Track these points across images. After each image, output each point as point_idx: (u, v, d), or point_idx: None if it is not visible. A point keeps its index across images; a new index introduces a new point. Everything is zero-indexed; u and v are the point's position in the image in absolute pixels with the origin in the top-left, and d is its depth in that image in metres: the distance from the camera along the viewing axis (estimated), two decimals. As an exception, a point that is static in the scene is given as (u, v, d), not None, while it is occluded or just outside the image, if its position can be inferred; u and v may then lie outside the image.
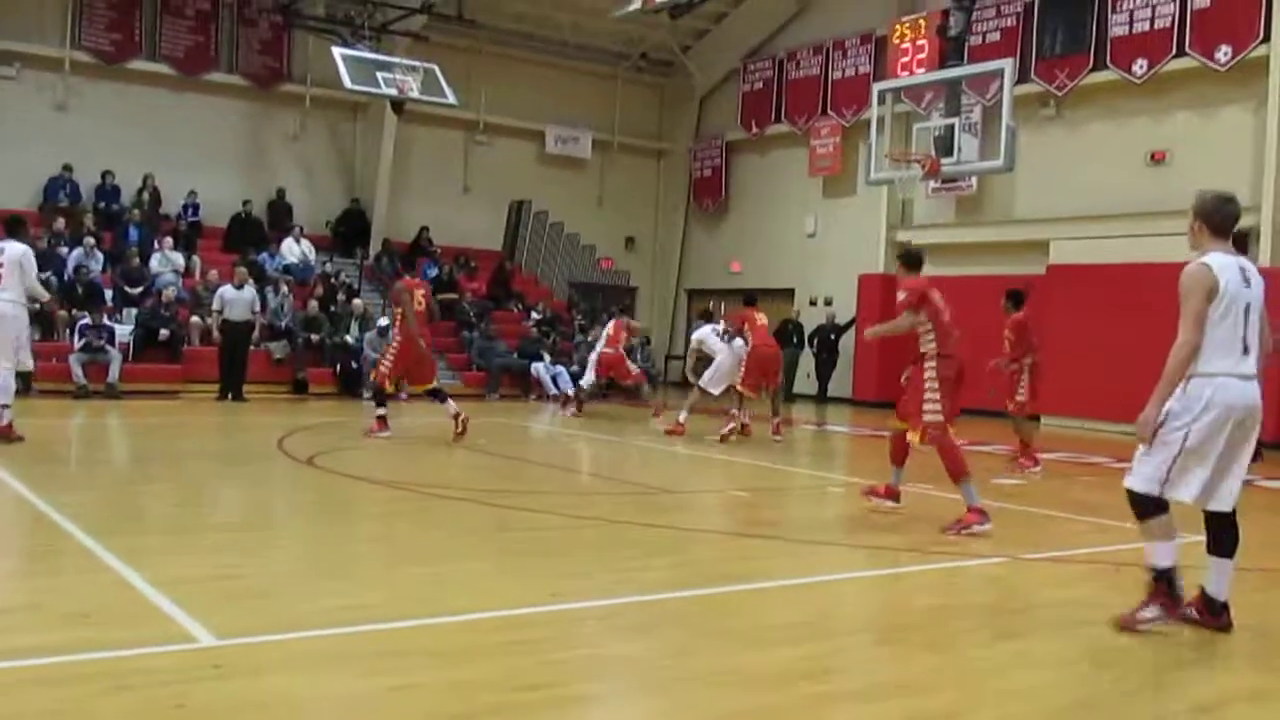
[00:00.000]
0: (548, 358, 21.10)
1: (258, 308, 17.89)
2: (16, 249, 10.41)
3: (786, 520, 8.89)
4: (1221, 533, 5.34)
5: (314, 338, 19.28)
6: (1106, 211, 18.69)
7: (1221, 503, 5.26)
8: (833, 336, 22.68)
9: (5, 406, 10.31)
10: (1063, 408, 17.38)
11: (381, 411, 12.57)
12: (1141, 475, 5.28)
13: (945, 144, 15.63)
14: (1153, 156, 18.53)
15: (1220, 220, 5.42)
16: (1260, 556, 7.67)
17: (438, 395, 12.71)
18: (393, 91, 19.70)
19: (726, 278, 26.11)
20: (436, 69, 20.16)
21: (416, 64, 20.09)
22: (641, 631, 5.13)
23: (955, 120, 15.82)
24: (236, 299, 17.43)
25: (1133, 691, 4.51)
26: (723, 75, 26.65)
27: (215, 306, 17.47)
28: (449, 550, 6.81)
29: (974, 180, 20.40)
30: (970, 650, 5.06)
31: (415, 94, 19.96)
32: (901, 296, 8.11)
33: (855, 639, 5.19)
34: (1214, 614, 5.35)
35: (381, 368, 12.69)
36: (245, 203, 22.06)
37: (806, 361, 22.88)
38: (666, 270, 27.73)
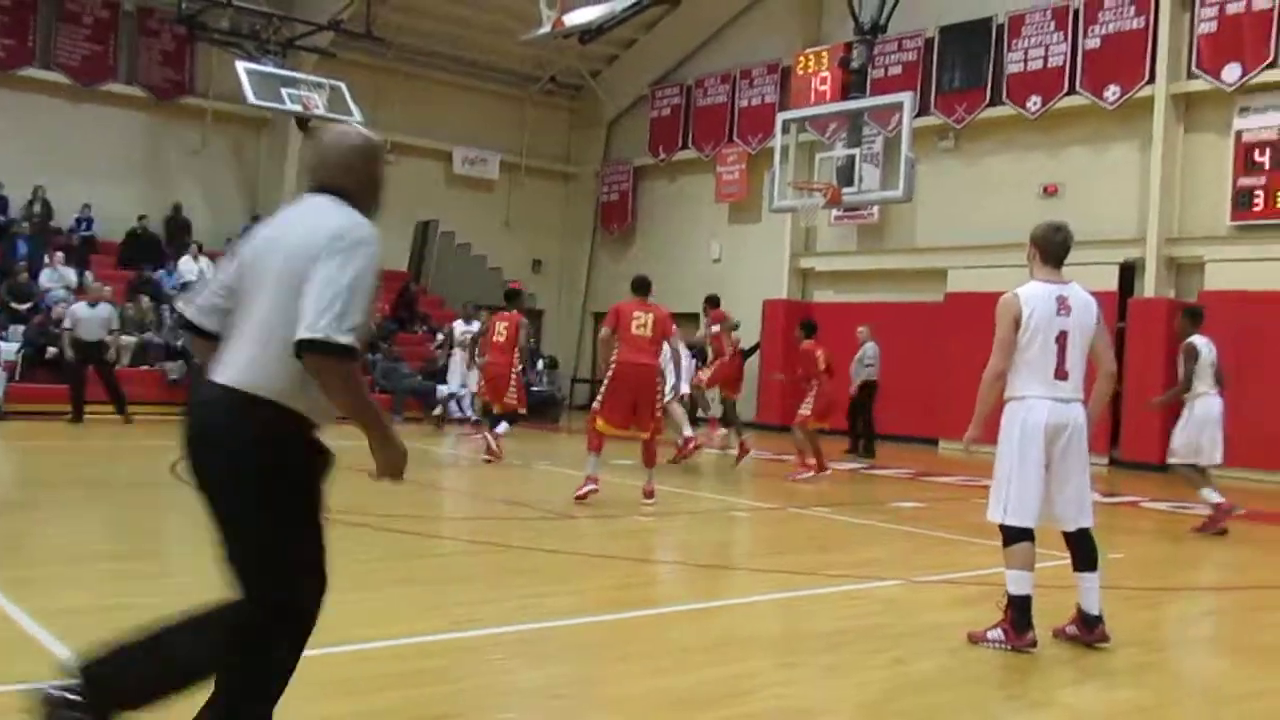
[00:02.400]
0: (453, 381, 20.87)
1: (114, 326, 16.88)
2: None
3: (689, 545, 8.96)
4: (1078, 549, 5.65)
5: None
6: (1002, 241, 19.18)
7: (1064, 523, 5.59)
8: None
9: None
10: (959, 433, 17.74)
11: None
12: (990, 505, 5.66)
13: (847, 174, 15.93)
14: (1046, 189, 19.11)
15: (1049, 248, 5.76)
16: (1144, 576, 7.95)
17: None
18: (298, 108, 19.50)
19: (633, 301, 26.15)
20: (343, 86, 20.01)
21: (323, 81, 19.93)
22: (544, 659, 5.14)
23: (857, 151, 16.14)
24: (89, 317, 16.29)
25: (1024, 710, 4.64)
26: (631, 101, 26.84)
27: (66, 324, 16.36)
28: (350, 578, 6.50)
29: (876, 209, 20.83)
30: (868, 672, 5.15)
31: (321, 111, 19.77)
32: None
33: (757, 663, 5.25)
34: (1089, 627, 5.61)
35: None
36: (141, 217, 21.55)
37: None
38: (573, 294, 27.75)
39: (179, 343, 18.70)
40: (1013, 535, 5.54)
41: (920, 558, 8.26)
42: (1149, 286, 17.47)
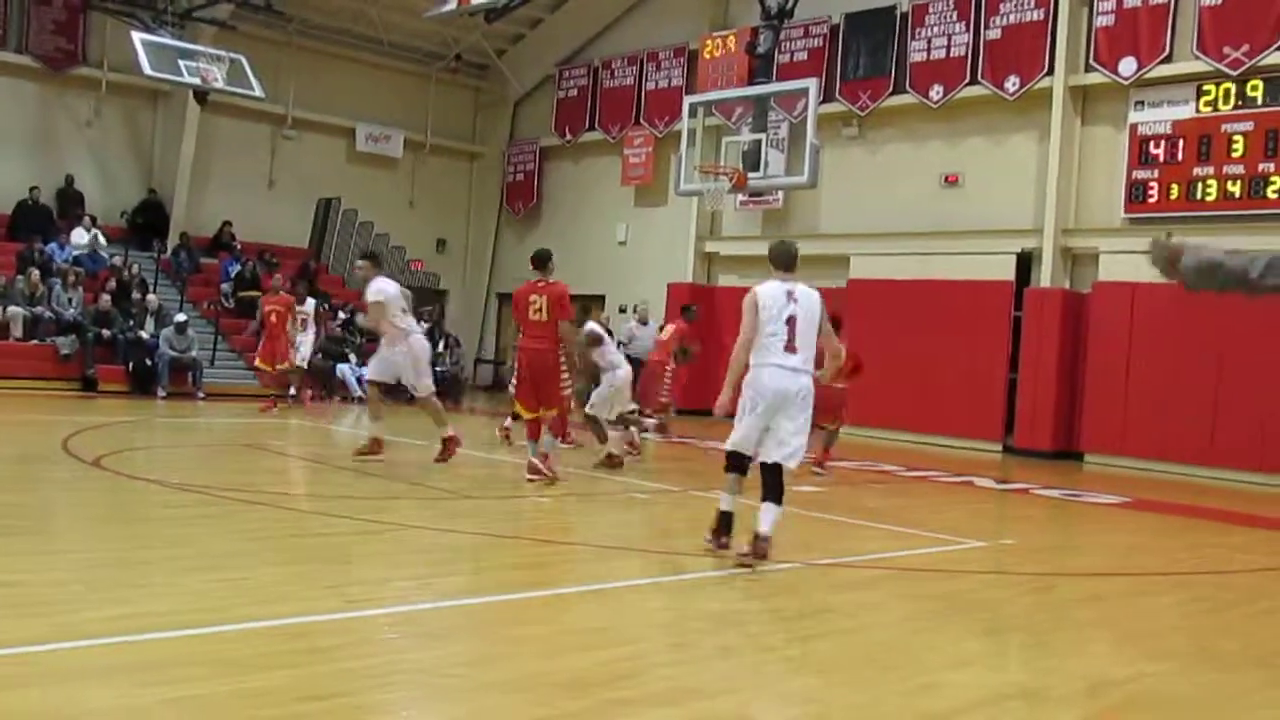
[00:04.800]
0: (354, 359, 20.71)
1: None
2: None
3: (585, 526, 8.98)
4: (767, 482, 6.98)
5: (105, 333, 18.43)
6: (903, 229, 19.52)
7: (768, 456, 6.99)
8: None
9: None
10: (858, 418, 18.05)
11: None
12: (733, 438, 7.11)
13: (753, 159, 16.04)
14: (946, 179, 19.45)
15: (775, 257, 7.52)
16: (1033, 562, 8.17)
17: None
18: (196, 80, 19.09)
19: (538, 283, 26.10)
20: (243, 59, 19.60)
21: (222, 54, 19.51)
22: (437, 639, 5.12)
23: (763, 136, 16.25)
24: None
25: (912, 692, 4.74)
26: (537, 81, 26.69)
27: None
28: (241, 556, 6.63)
29: (781, 194, 21.00)
30: (761, 653, 5.22)
31: (220, 84, 19.39)
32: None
33: (650, 644, 5.29)
34: (754, 541, 6.88)
35: None
36: (32, 189, 20.91)
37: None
38: (478, 274, 27.55)
39: (71, 316, 18.25)
40: (734, 465, 7.09)
41: (816, 540, 8.38)
42: (1045, 276, 17.89)
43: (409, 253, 26.05)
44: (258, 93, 19.78)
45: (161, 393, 18.10)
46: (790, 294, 7.14)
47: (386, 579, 6.24)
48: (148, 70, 18.49)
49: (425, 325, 21.98)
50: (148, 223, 22.34)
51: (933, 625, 5.74)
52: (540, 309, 10.04)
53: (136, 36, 18.64)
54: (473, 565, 6.81)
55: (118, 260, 20.67)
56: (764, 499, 6.92)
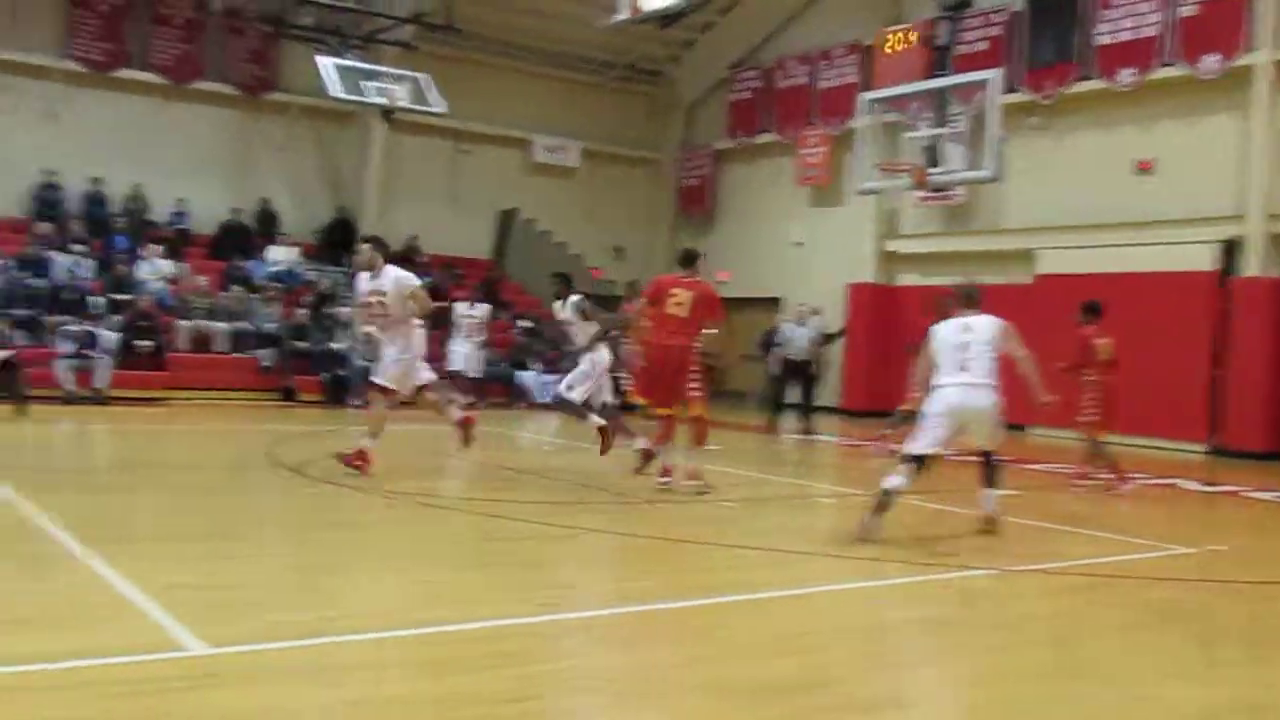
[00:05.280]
0: (536, 366, 21.08)
1: None
2: None
3: (774, 530, 8.85)
4: (987, 472, 8.10)
5: (301, 345, 19.23)
6: (1093, 221, 18.74)
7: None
8: (821, 346, 22.64)
9: None
10: (1052, 418, 17.40)
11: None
12: (919, 444, 7.80)
13: (932, 154, 15.66)
14: (1139, 165, 18.57)
15: (962, 299, 8.32)
16: (1252, 569, 7.69)
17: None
18: (381, 100, 19.69)
19: (715, 286, 26.06)
20: (425, 78, 20.13)
21: (405, 73, 20.07)
22: (629, 644, 5.11)
23: (942, 130, 15.84)
24: None
25: (1126, 706, 4.50)
26: (710, 85, 26.68)
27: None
28: (435, 560, 6.79)
29: (963, 189, 20.44)
30: (962, 662, 5.04)
31: (403, 103, 19.95)
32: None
33: (847, 650, 5.17)
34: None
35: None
36: (233, 210, 22.03)
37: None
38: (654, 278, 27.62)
39: (270, 329, 19.14)
40: (914, 460, 7.85)
41: (1015, 546, 8.07)
42: (1252, 265, 16.91)
43: (587, 260, 26.37)
44: (438, 109, 20.30)
45: (355, 402, 18.74)
46: (964, 328, 8.01)
47: (577, 583, 6.30)
48: (336, 93, 19.18)
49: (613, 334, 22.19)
50: (339, 239, 23.23)
51: (1144, 636, 5.45)
52: (682, 303, 9.54)
53: (324, 61, 19.36)
54: (661, 570, 6.79)
55: (312, 275, 21.55)
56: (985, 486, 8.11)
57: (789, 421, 17.52)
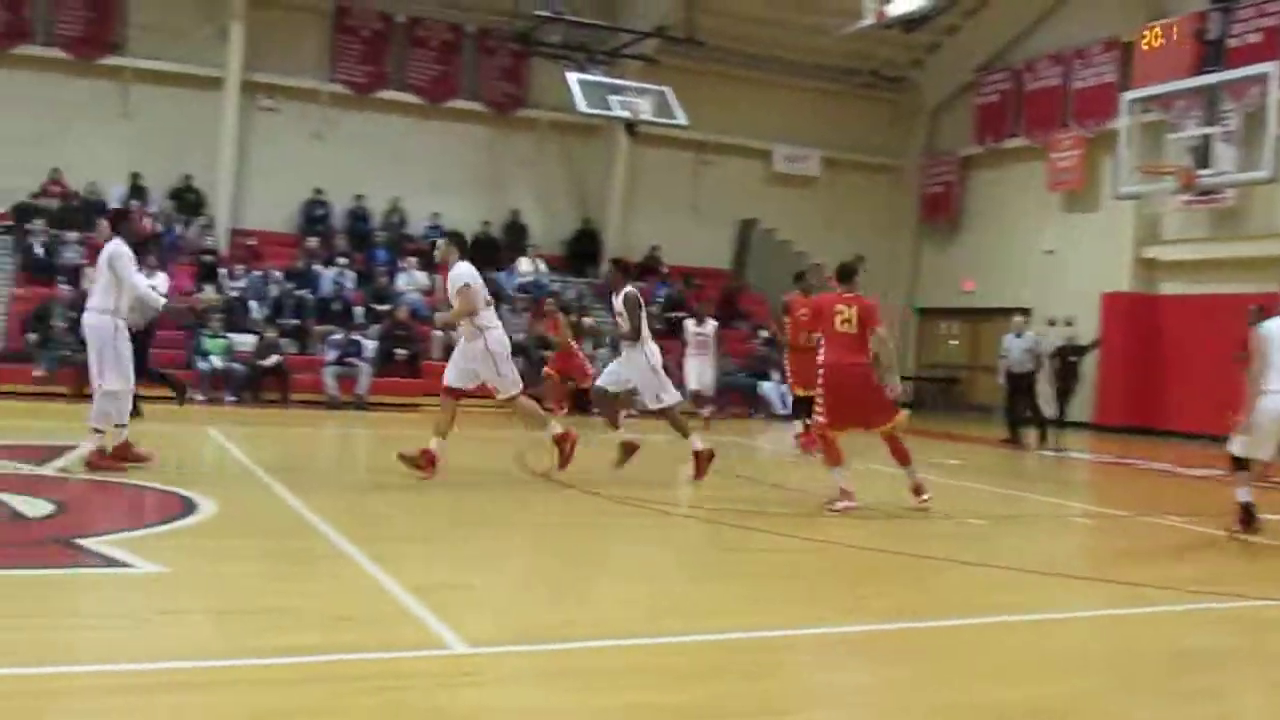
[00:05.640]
0: (776, 377, 21.00)
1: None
2: (106, 250, 9.11)
3: (1028, 551, 8.49)
4: None
5: (547, 355, 19.77)
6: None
7: None
8: (1072, 358, 21.66)
9: (120, 426, 9.23)
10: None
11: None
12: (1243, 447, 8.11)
13: (1201, 155, 14.75)
14: None
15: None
16: None
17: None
18: (625, 114, 20.02)
19: (959, 296, 25.43)
20: (668, 91, 20.38)
21: (648, 86, 20.37)
22: (877, 661, 5.01)
23: (1213, 129, 14.90)
24: None
25: None
26: (955, 89, 25.99)
27: None
28: (677, 569, 6.85)
29: (1231, 191, 19.16)
30: (1236, 700, 4.70)
31: (647, 116, 20.22)
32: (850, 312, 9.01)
33: (1100, 680, 4.88)
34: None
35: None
36: (484, 223, 22.91)
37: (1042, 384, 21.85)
38: (897, 289, 27.15)
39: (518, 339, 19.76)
40: (1240, 464, 8.32)
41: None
42: None
43: (829, 270, 26.09)
44: (681, 121, 20.49)
45: (596, 410, 19.12)
46: None
47: (817, 597, 6.19)
48: (582, 108, 19.62)
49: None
50: (583, 250, 23.86)
51: None
52: (849, 320, 9.14)
53: (572, 77, 19.85)
54: (902, 586, 6.62)
55: (557, 286, 22.17)
56: None
57: (1032, 435, 16.82)
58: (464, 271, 9.56)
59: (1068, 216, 23.18)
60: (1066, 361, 21.43)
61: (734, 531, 8.13)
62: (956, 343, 26.21)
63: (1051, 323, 22.46)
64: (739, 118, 24.85)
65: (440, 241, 10.10)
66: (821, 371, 9.28)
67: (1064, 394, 21.40)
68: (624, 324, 10.55)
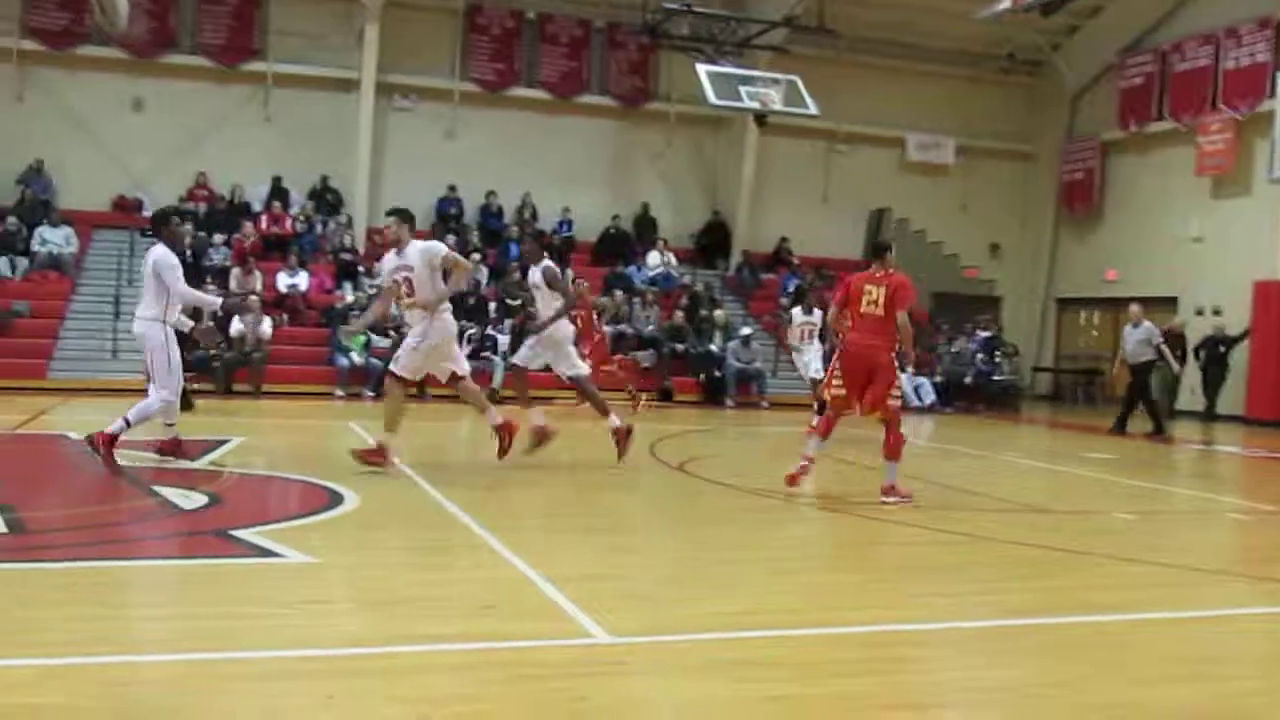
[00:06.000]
0: (910, 369, 20.65)
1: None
2: (152, 256, 8.94)
3: (1175, 547, 8.17)
4: None
5: (679, 347, 19.83)
6: None
7: None
8: (1222, 349, 20.86)
9: (170, 425, 9.15)
10: None
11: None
12: None
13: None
14: None
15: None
16: None
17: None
18: (755, 105, 19.91)
19: (1101, 286, 24.66)
20: (798, 80, 20.20)
21: (778, 76, 20.22)
22: (1017, 656, 4.88)
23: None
24: None
25: None
26: (1096, 72, 25.17)
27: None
28: (815, 560, 6.84)
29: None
30: None
31: (777, 106, 20.07)
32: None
33: (1260, 683, 4.68)
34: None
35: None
36: (614, 217, 23.05)
37: (1191, 376, 21.07)
38: (1034, 278, 26.46)
39: (649, 331, 19.88)
40: None
41: None
42: None
43: (963, 260, 25.63)
44: (812, 111, 20.29)
45: (729, 402, 19.15)
46: None
47: (963, 590, 6.06)
48: (712, 100, 19.57)
49: (984, 334, 21.57)
50: (712, 243, 23.83)
51: None
52: (876, 301, 8.73)
53: (701, 69, 19.81)
54: (1052, 582, 6.43)
55: (687, 279, 22.18)
56: None
57: (1173, 429, 16.26)
58: (431, 243, 9.26)
59: (1217, 202, 22.28)
60: (1215, 352, 20.69)
61: (871, 524, 8.02)
62: (1097, 334, 25.43)
63: (1199, 312, 21.68)
64: (871, 106, 24.48)
65: (390, 220, 9.53)
66: (840, 350, 8.98)
67: (1212, 386, 20.66)
68: (541, 299, 10.00)
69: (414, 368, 9.30)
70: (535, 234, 10.86)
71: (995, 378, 21.77)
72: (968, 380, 21.32)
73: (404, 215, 9.45)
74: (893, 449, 8.75)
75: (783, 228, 24.10)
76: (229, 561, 5.90)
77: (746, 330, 19.93)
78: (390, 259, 9.37)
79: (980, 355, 22.00)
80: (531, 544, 6.48)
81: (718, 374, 19.50)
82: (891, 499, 8.59)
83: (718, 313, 20.84)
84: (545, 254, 10.69)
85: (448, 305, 9.25)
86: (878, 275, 8.80)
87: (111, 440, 8.61)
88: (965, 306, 24.36)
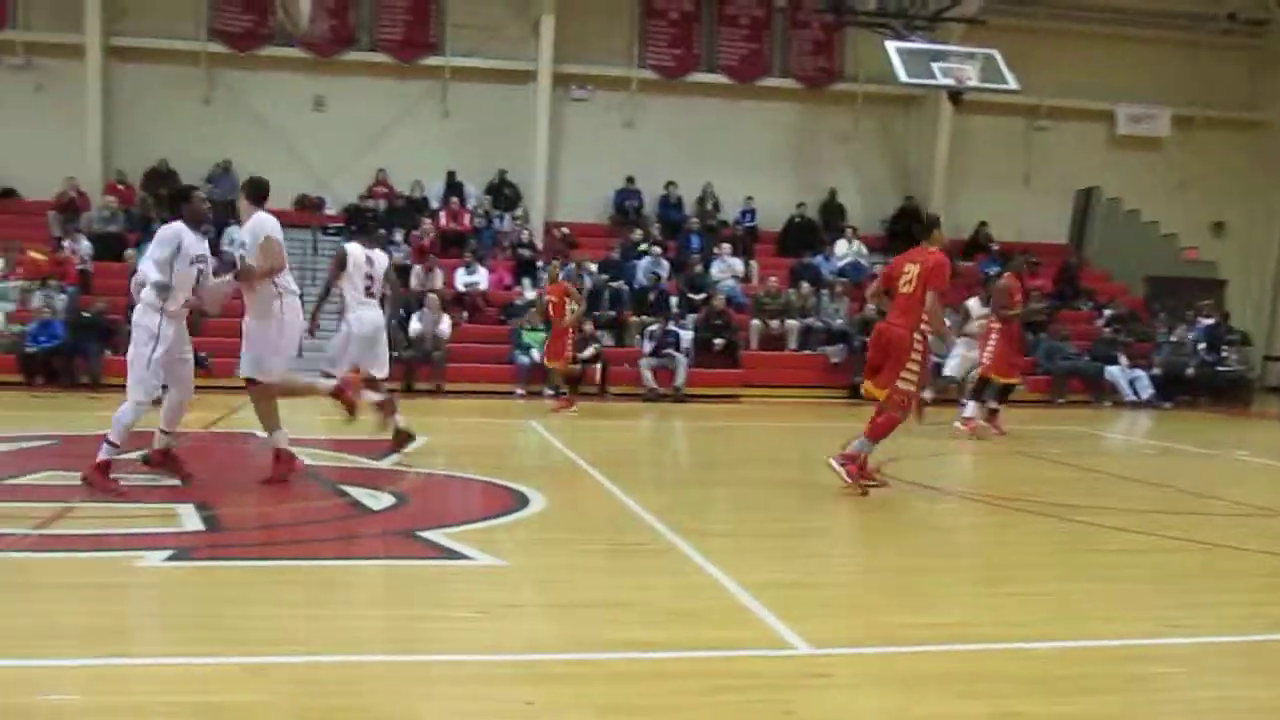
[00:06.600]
0: (1123, 360, 19.13)
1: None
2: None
3: None
4: None
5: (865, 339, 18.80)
6: None
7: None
8: None
9: (166, 433, 7.76)
10: None
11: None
12: None
13: None
14: None
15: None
16: None
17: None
18: (950, 81, 18.86)
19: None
20: (995, 54, 18.98)
21: (974, 50, 19.13)
22: (1274, 675, 4.43)
23: None
24: None
25: None
26: (1331, 29, 22.93)
27: None
28: (1035, 569, 6.29)
29: None
30: None
31: (973, 82, 19.00)
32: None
33: None
34: None
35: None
36: (799, 206, 22.22)
37: None
38: (1264, 260, 24.33)
39: (838, 325, 18.95)
40: None
41: None
42: None
43: (1181, 240, 23.68)
44: (1011, 86, 19.06)
45: (926, 395, 18.01)
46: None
47: (1206, 603, 5.51)
48: (903, 78, 18.63)
49: (1207, 321, 19.83)
50: (904, 230, 22.57)
51: None
52: (910, 280, 8.23)
53: (891, 46, 18.85)
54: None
55: (879, 269, 21.04)
56: None
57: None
58: (264, 221, 7.92)
59: None
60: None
61: (1092, 530, 7.33)
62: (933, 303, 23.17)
63: None
64: (1076, 77, 22.86)
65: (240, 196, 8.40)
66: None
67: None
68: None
69: (253, 364, 7.98)
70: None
71: (1221, 369, 19.96)
72: (1189, 372, 19.63)
73: (246, 186, 8.43)
74: (877, 428, 8.20)
75: (981, 211, 22.79)
76: (419, 563, 5.92)
77: (945, 321, 18.73)
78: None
79: (1203, 344, 20.23)
80: (721, 549, 6.27)
81: (922, 369, 18.42)
82: (841, 469, 8.12)
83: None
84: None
85: (296, 288, 8.10)
86: (915, 254, 8.44)
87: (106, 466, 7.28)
88: (1184, 291, 22.50)
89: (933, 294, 8.15)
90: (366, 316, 9.03)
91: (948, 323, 8.47)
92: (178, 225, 7.49)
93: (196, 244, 7.55)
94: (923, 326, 8.16)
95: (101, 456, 7.22)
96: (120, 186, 20.19)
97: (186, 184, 9.00)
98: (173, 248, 7.35)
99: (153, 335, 7.26)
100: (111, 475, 7.28)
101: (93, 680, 3.91)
